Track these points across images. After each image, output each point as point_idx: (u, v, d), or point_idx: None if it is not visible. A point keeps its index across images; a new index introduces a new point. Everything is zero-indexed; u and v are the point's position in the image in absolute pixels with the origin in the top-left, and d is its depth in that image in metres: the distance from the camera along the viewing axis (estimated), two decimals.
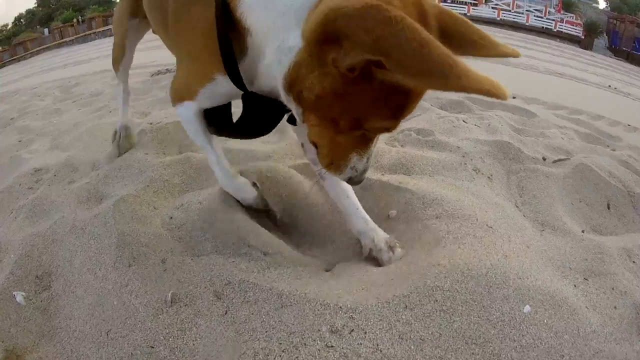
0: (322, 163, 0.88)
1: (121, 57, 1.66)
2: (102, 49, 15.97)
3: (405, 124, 2.00)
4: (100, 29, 38.35)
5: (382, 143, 1.66)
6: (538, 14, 24.30)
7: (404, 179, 1.36)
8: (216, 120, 1.09)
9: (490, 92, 0.53)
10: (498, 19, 23.18)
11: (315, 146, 0.87)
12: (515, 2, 24.71)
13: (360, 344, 0.75)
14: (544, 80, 5.09)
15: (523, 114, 2.71)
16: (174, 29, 1.03)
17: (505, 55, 0.77)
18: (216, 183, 1.22)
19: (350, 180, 0.89)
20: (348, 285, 0.89)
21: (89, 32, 38.56)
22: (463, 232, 1.08)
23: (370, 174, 1.34)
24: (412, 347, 0.77)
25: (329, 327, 0.77)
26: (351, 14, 0.60)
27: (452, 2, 24.90)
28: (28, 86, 7.22)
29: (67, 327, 0.88)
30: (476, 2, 25.27)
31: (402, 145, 1.72)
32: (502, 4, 24.68)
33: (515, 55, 0.79)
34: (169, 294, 0.85)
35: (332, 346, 0.74)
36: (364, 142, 0.83)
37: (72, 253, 1.05)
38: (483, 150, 1.72)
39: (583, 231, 1.37)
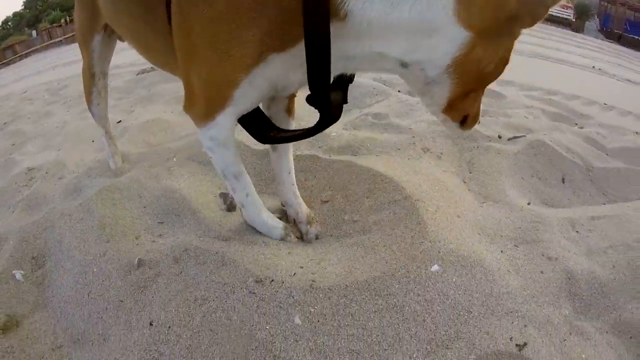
0: (469, 128, 0.94)
1: (92, 86, 1.50)
2: None
3: (364, 109, 2.12)
4: None
5: (336, 127, 1.75)
6: None
7: (350, 159, 1.45)
8: (256, 126, 0.99)
9: None
10: None
11: (463, 120, 0.92)
12: None
13: (277, 291, 0.90)
14: (526, 63, 5.08)
15: (492, 95, 2.75)
16: (182, 20, 0.86)
17: None
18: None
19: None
20: (277, 250, 1.05)
21: None
22: (389, 203, 1.19)
23: (319, 154, 1.47)
24: (321, 295, 0.90)
25: (254, 278, 0.92)
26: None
27: None
28: (18, 90, 7.28)
29: (57, 295, 1.04)
30: None
31: (355, 129, 1.82)
32: None
33: None
34: (136, 260, 1.01)
35: (254, 292, 0.89)
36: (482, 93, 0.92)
37: (62, 235, 1.20)
38: (436, 130, 1.79)
39: (529, 203, 1.43)
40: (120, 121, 2.32)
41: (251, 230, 1.11)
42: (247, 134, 0.99)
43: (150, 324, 0.88)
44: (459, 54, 0.76)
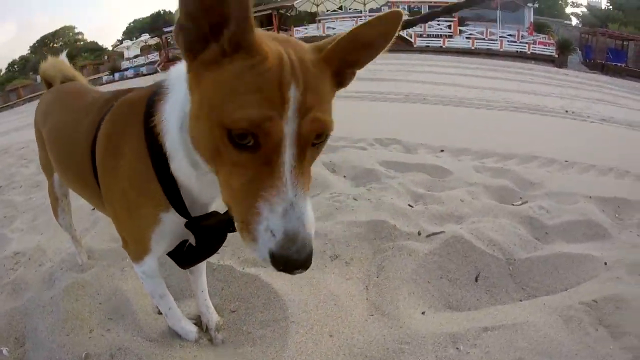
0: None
1: (57, 206, 1.83)
2: None
3: None
4: (92, 77, 38.85)
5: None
6: (511, 38, 24.94)
7: (258, 272, 1.65)
8: (177, 257, 1.16)
9: None
10: (473, 48, 23.98)
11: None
12: (488, 29, 25.52)
13: None
14: (494, 118, 5.16)
15: (438, 173, 2.84)
16: (108, 188, 1.10)
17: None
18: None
19: (275, 260, 0.70)
20: (187, 352, 1.38)
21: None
22: (273, 321, 1.43)
23: (235, 265, 1.73)
24: None
25: None
26: None
27: (428, 37, 25.89)
28: (16, 144, 7.54)
29: None
30: (451, 33, 26.11)
31: None
32: (476, 32, 25.47)
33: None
34: (84, 354, 1.35)
35: None
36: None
37: (36, 324, 1.54)
38: (353, 233, 1.92)
39: (423, 313, 1.49)
40: (94, 208, 2.61)
41: (172, 332, 1.44)
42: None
43: None
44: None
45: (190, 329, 1.42)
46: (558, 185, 2.59)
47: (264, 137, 0.67)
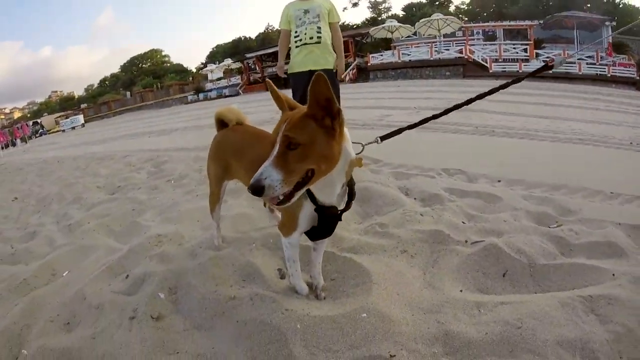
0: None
1: (216, 206, 2.46)
2: (178, 119, 17.75)
3: (377, 218, 2.87)
4: (177, 96, 41.87)
5: (352, 233, 2.60)
6: (590, 60, 24.03)
7: (352, 256, 2.23)
8: (309, 233, 1.81)
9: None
10: (550, 72, 23.30)
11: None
12: (566, 51, 24.50)
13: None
14: (556, 151, 5.24)
15: (490, 199, 3.12)
16: None
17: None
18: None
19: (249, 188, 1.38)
20: (305, 299, 1.93)
21: (167, 98, 42.34)
22: (361, 284, 1.97)
23: (335, 251, 2.31)
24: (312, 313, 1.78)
25: (286, 307, 1.85)
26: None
27: (504, 61, 25.53)
28: (120, 152, 8.66)
29: (188, 303, 1.99)
30: (527, 57, 25.68)
31: (363, 235, 2.59)
32: (553, 55, 24.85)
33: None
34: (232, 295, 1.96)
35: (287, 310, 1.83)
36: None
37: (190, 279, 2.13)
38: (418, 237, 2.44)
39: (461, 290, 1.96)
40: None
41: (292, 288, 2.01)
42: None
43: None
44: None
45: (305, 287, 1.99)
46: (594, 213, 2.77)
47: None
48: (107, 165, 7.16)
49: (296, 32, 4.52)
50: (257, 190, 1.36)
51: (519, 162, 4.47)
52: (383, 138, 2.05)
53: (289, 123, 1.44)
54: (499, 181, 3.73)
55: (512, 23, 28.60)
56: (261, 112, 12.49)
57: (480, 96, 2.28)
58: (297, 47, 4.56)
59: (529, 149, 5.34)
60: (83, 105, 50.69)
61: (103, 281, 2.37)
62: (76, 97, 67.64)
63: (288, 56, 4.78)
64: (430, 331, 1.69)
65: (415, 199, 3.26)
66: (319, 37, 4.47)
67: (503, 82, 2.27)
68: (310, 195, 1.65)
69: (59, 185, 6.00)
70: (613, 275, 1.95)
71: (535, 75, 2.41)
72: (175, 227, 3.03)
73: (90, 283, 2.33)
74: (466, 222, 2.73)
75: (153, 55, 65.55)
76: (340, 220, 1.78)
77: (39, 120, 42.10)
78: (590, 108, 10.78)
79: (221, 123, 2.44)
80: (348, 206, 1.74)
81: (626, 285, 1.83)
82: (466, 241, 2.39)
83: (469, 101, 2.29)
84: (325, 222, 1.75)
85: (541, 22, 28.06)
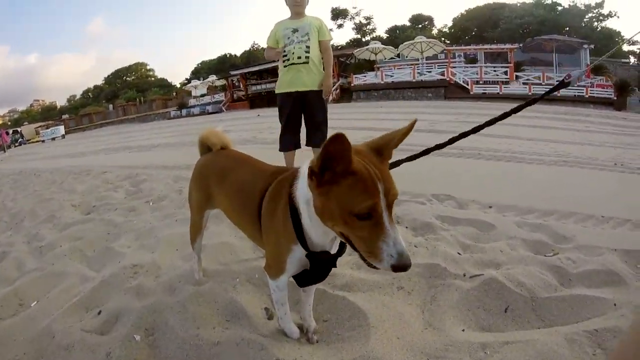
0: (363, 253, 1.28)
1: (197, 237, 2.31)
2: (159, 135, 17.48)
3: None
4: (160, 111, 41.51)
5: (344, 268, 2.44)
6: None
7: (345, 294, 2.11)
8: (298, 278, 1.64)
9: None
10: (529, 94, 23.78)
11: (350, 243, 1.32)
12: (545, 74, 25.41)
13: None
14: (543, 174, 5.30)
15: (484, 227, 3.10)
16: (266, 228, 1.65)
17: (406, 133, 1.36)
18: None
19: (401, 267, 1.21)
20: (293, 345, 1.78)
21: (149, 112, 41.88)
22: (357, 327, 1.86)
23: (328, 289, 2.17)
24: None
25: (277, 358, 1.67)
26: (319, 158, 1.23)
27: (484, 83, 26.03)
28: (98, 167, 8.41)
29: (164, 351, 1.82)
30: (507, 79, 26.28)
31: (356, 269, 2.46)
32: (533, 78, 25.43)
33: (410, 127, 1.37)
34: (216, 341, 1.78)
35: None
36: (373, 228, 1.23)
37: (168, 318, 1.96)
38: (414, 271, 2.33)
39: (463, 330, 1.87)
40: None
41: (281, 331, 1.86)
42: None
43: None
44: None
45: (296, 330, 1.85)
46: (588, 239, 2.80)
47: (374, 212, 1.21)
48: (84, 181, 6.93)
49: (284, 51, 4.47)
50: (410, 264, 1.22)
51: (508, 187, 4.48)
52: (406, 160, 2.08)
53: (388, 180, 1.27)
54: (490, 207, 3.71)
55: (493, 46, 29.29)
56: (243, 130, 12.39)
57: (499, 118, 2.29)
58: (285, 66, 4.51)
59: (517, 172, 5.37)
60: (65, 116, 50.08)
61: (73, 316, 2.19)
62: (58, 107, 66.85)
63: (276, 74, 4.76)
64: None
65: (407, 227, 3.18)
66: (307, 57, 4.42)
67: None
68: (300, 238, 1.51)
69: (33, 201, 5.75)
70: (615, 305, 1.94)
71: (553, 92, 2.34)
72: (152, 256, 2.84)
73: (59, 318, 2.16)
74: (462, 252, 2.65)
75: (138, 68, 65.30)
76: (335, 266, 1.62)
77: (19, 129, 41.66)
78: (572, 129, 11.07)
79: (205, 147, 2.30)
80: (342, 250, 1.61)
81: (629, 316, 1.81)
82: (464, 274, 2.31)
83: (490, 122, 2.30)
84: (318, 267, 1.60)
85: (521, 45, 28.79)
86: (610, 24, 43.81)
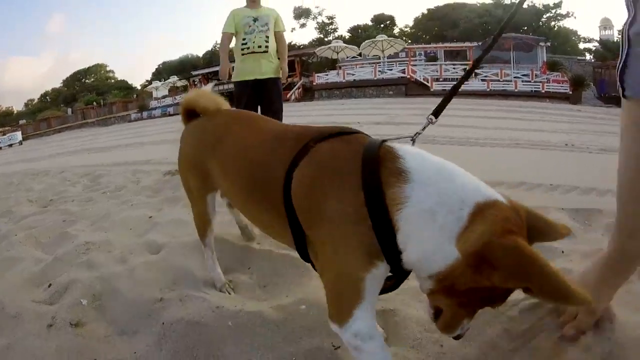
0: (439, 325, 1.05)
1: (207, 228, 1.86)
2: (119, 136, 17.20)
3: None
4: (120, 114, 40.38)
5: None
6: (525, 79, 25.65)
7: (290, 252, 2.12)
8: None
9: (586, 301, 0.81)
10: (488, 89, 24.64)
11: (437, 312, 1.05)
12: (503, 71, 26.23)
13: None
14: (496, 155, 5.54)
15: None
16: (310, 222, 1.11)
17: (561, 236, 1.00)
18: None
19: (457, 337, 1.07)
20: None
21: (110, 115, 40.77)
22: (299, 277, 1.95)
23: (271, 248, 2.26)
24: None
25: None
26: (504, 249, 0.85)
27: (444, 80, 26.62)
28: (56, 168, 8.21)
29: (110, 313, 1.86)
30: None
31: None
32: (491, 74, 26.16)
33: (566, 233, 1.00)
34: (160, 297, 1.87)
35: None
36: (473, 312, 1.03)
37: (115, 284, 2.01)
38: None
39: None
40: (151, 217, 3.22)
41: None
42: None
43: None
44: (444, 270, 0.93)
45: None
46: (536, 201, 2.90)
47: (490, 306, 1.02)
48: (42, 181, 6.81)
49: (244, 39, 4.51)
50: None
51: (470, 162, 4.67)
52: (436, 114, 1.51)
53: None
54: None
55: (453, 45, 29.91)
56: None
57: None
58: (243, 54, 4.55)
59: (466, 155, 5.56)
60: (22, 122, 48.27)
61: (24, 291, 2.21)
62: (15, 112, 64.45)
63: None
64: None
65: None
66: (266, 47, 4.49)
67: None
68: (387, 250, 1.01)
69: None
70: (562, 252, 2.05)
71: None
72: (106, 235, 2.87)
73: (10, 293, 2.17)
74: None
75: (97, 70, 63.72)
76: None
77: None
78: (526, 119, 11.44)
79: (191, 115, 1.83)
80: None
81: (577, 260, 1.93)
82: None
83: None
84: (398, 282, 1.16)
85: (480, 43, 29.53)
86: (567, 23, 45.70)
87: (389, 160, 1.03)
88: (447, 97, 1.54)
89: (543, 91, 24.38)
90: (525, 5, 1.45)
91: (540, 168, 4.34)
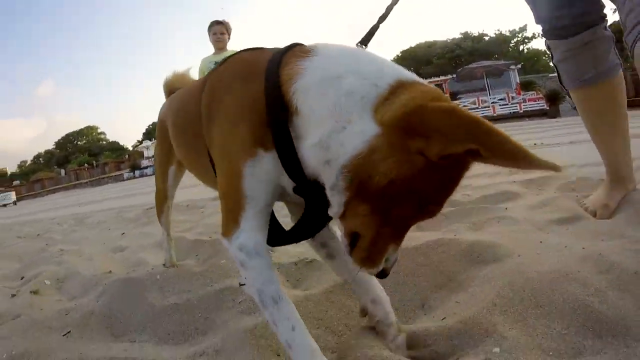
0: (356, 257, 0.83)
1: (163, 204, 1.94)
2: (112, 191, 17.61)
3: None
4: (113, 174, 40.67)
5: None
6: (502, 102, 26.21)
7: None
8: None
9: (550, 167, 0.63)
10: None
11: (353, 240, 0.82)
12: (480, 98, 26.86)
13: None
14: None
15: None
16: (209, 129, 1.01)
17: None
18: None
19: (381, 273, 0.85)
20: None
21: (103, 175, 41.13)
22: None
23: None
24: None
25: None
26: (441, 112, 0.66)
27: None
28: (47, 218, 8.53)
29: (70, 289, 2.29)
30: None
31: None
32: (468, 103, 26.41)
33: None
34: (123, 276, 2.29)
35: None
36: (403, 231, 0.83)
37: (77, 268, 2.33)
38: None
39: None
40: (123, 233, 3.61)
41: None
42: None
43: None
44: (360, 151, 0.73)
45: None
46: (488, 182, 3.21)
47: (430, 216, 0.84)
48: (32, 225, 7.14)
49: None
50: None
51: None
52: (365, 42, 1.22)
53: None
54: None
55: (429, 80, 30.62)
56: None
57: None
58: None
59: None
60: (16, 183, 48.57)
61: None
62: (8, 173, 64.93)
63: None
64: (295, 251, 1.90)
65: None
66: None
67: None
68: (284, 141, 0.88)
69: None
70: (506, 209, 2.23)
71: None
72: (79, 246, 3.29)
73: None
74: None
75: (89, 132, 64.60)
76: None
77: None
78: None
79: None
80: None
81: (517, 211, 2.15)
82: None
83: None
84: (315, 209, 0.94)
85: (454, 75, 30.53)
86: (535, 44, 47.38)
87: (298, 49, 0.92)
88: (376, 25, 1.26)
89: (521, 111, 24.93)
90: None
91: None
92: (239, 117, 0.91)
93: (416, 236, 1.73)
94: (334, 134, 0.77)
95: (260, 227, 0.93)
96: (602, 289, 1.09)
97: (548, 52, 1.95)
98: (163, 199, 1.92)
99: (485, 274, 1.31)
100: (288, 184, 0.92)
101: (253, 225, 0.92)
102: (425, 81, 0.81)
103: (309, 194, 0.91)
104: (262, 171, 0.89)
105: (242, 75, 0.97)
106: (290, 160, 0.86)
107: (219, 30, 4.61)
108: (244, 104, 0.91)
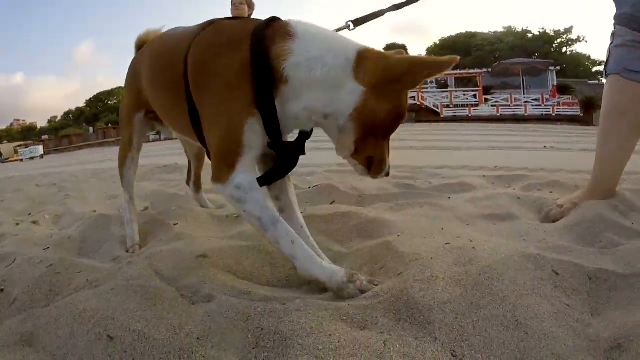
0: (375, 172, 1.16)
1: (128, 153, 1.72)
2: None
3: None
4: None
5: None
6: (535, 103, 25.83)
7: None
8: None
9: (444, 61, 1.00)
10: (498, 114, 24.80)
11: (369, 163, 1.15)
12: (513, 96, 26.46)
13: None
14: (468, 153, 6.10)
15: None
16: (198, 89, 1.19)
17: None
18: None
19: (387, 173, 1.18)
20: None
21: None
22: None
23: None
24: None
25: None
26: (401, 63, 1.03)
27: (454, 106, 26.90)
28: (68, 172, 8.67)
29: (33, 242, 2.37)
30: (477, 102, 27.19)
31: None
32: (501, 100, 26.34)
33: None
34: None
35: None
36: (387, 145, 1.16)
37: (75, 209, 2.55)
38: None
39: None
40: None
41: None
42: None
43: None
44: (358, 104, 1.05)
45: (336, 268, 1.12)
46: (461, 173, 3.34)
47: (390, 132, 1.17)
48: (52, 176, 7.36)
49: None
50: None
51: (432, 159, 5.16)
52: (357, 23, 1.81)
53: None
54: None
55: (463, 72, 30.18)
56: None
57: None
58: None
59: (449, 155, 6.08)
60: (44, 137, 49.16)
61: (9, 217, 2.80)
62: (38, 127, 66.25)
63: None
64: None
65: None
66: None
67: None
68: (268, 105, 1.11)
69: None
70: (449, 198, 2.24)
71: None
72: (83, 194, 3.55)
73: None
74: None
75: (119, 92, 65.42)
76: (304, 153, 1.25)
77: None
78: (527, 137, 11.46)
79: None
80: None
81: (456, 202, 2.14)
82: None
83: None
84: (287, 158, 1.21)
85: (489, 69, 29.87)
86: (579, 48, 45.60)
87: (277, 27, 1.14)
88: (377, 12, 1.88)
89: (553, 114, 24.60)
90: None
91: (500, 160, 4.84)
92: (234, 81, 1.11)
93: (330, 207, 1.95)
94: (332, 95, 1.07)
95: (253, 170, 1.16)
96: (435, 276, 1.07)
97: (610, 39, 1.89)
98: (127, 146, 1.73)
99: (365, 245, 1.46)
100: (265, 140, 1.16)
101: (248, 168, 1.13)
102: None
103: (280, 148, 1.17)
104: (259, 127, 1.11)
105: (228, 44, 1.17)
106: (272, 120, 1.10)
107: (238, 1, 4.54)
108: (236, 70, 1.11)
